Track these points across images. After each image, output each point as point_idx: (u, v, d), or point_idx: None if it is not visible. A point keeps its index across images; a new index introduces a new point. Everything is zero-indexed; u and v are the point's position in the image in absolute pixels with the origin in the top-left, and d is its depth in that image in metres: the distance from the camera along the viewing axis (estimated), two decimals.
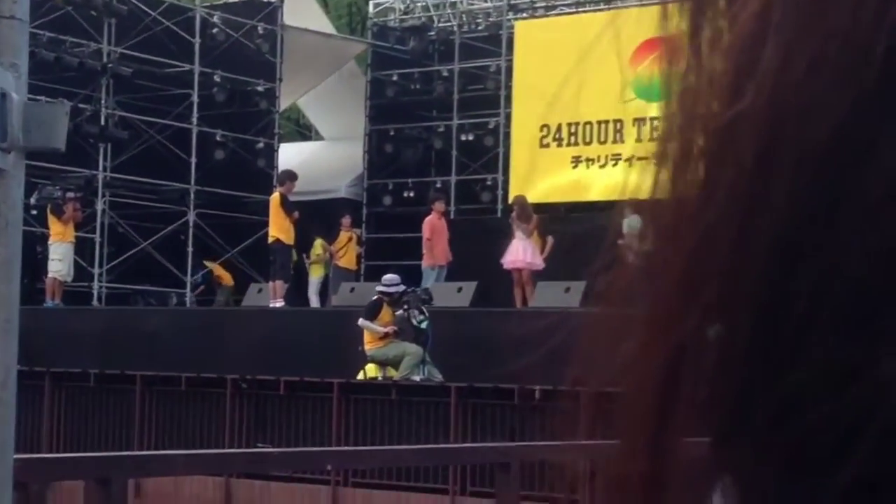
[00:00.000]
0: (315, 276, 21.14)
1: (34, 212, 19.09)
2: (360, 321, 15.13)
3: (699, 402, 0.43)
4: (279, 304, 18.01)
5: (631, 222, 0.47)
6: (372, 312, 15.16)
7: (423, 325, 14.94)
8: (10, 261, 2.27)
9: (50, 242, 19.22)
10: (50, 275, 19.22)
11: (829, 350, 0.40)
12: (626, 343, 0.45)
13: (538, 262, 17.42)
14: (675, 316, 0.43)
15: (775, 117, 0.41)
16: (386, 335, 14.99)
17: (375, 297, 15.41)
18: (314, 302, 20.65)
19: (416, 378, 14.67)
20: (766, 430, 0.42)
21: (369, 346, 15.08)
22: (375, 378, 14.99)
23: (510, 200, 20.03)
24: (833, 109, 0.40)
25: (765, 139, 0.41)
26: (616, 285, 0.46)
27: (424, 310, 15.15)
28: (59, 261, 19.11)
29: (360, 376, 15.00)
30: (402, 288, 15.44)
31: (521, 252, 17.42)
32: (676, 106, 0.45)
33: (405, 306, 15.11)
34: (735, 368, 0.42)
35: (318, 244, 21.08)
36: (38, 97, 2.35)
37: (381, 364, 15.11)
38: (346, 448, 11.19)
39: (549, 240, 17.59)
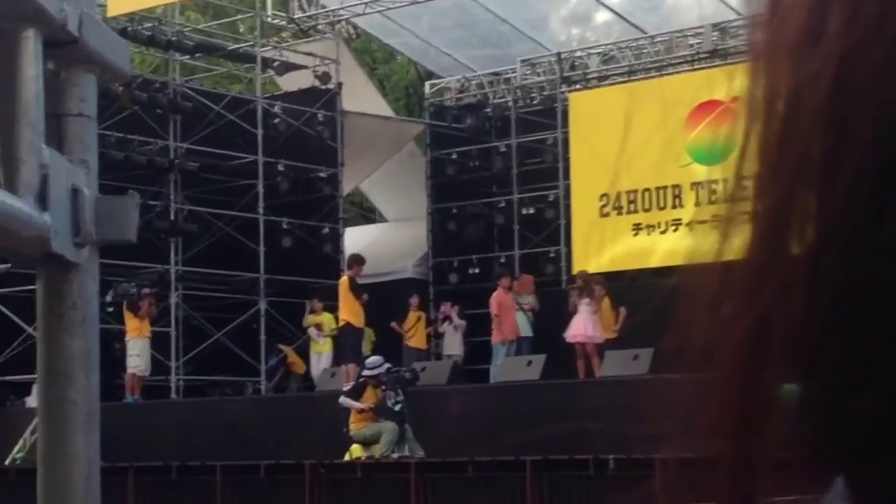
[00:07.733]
0: (324, 351, 20.92)
1: (110, 309, 19.42)
2: (340, 399, 15.74)
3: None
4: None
5: None
6: (356, 394, 15.84)
7: (397, 408, 15.46)
8: (89, 354, 2.30)
9: (127, 339, 19.50)
10: (129, 370, 19.51)
11: None
12: (722, 304, 0.46)
13: (598, 336, 17.81)
14: (763, 275, 0.44)
15: (846, 73, 0.43)
16: (361, 411, 15.58)
17: (361, 380, 16.07)
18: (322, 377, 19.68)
19: (394, 455, 15.17)
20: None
21: (352, 426, 15.73)
22: (360, 458, 15.48)
23: (574, 272, 20.15)
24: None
25: (841, 94, 0.44)
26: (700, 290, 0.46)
27: (400, 391, 15.59)
28: (138, 356, 19.43)
29: (346, 457, 15.51)
30: (384, 369, 15.97)
31: (583, 326, 17.79)
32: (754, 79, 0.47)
33: (383, 388, 15.64)
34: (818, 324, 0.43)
35: (328, 318, 20.81)
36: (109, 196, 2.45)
37: (362, 444, 15.64)
38: None
39: (622, 311, 17.70)
